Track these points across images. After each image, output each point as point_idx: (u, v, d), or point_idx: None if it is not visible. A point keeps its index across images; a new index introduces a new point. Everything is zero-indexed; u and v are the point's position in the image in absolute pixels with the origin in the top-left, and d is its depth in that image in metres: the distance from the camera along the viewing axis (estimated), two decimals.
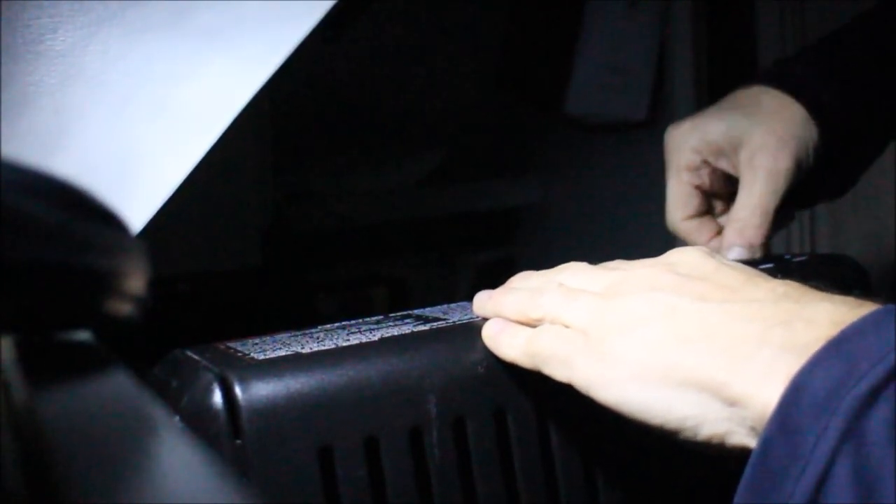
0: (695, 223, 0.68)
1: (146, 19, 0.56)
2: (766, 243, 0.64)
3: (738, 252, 0.63)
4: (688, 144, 0.66)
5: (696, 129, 0.66)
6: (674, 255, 0.47)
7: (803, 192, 0.66)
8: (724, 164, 0.66)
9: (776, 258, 0.63)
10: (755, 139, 0.63)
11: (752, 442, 0.37)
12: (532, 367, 0.45)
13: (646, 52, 1.36)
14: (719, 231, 0.67)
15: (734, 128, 0.64)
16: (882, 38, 0.69)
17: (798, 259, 0.62)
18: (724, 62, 1.34)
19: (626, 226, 1.44)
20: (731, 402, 0.38)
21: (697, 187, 0.67)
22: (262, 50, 0.58)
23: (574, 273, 0.49)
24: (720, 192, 0.68)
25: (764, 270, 0.59)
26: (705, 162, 0.66)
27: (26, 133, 0.56)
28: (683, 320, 0.41)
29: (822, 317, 0.37)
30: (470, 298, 0.52)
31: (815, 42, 0.71)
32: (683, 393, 0.39)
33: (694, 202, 0.68)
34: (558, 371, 0.44)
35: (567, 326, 0.44)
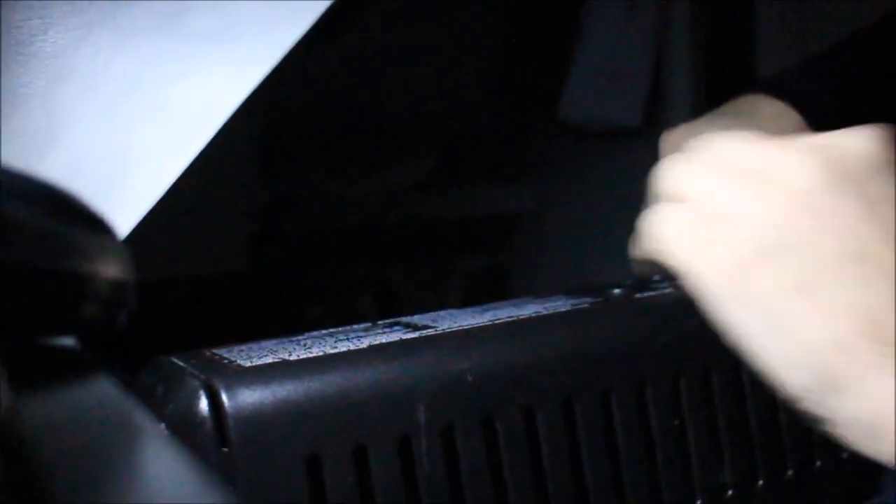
0: None
1: (137, 21, 0.56)
2: None
3: None
4: (683, 146, 0.66)
5: (691, 133, 0.66)
6: (852, 138, 0.38)
7: None
8: None
9: None
10: None
11: (860, 441, 0.34)
12: (657, 260, 0.40)
13: (642, 57, 1.36)
14: None
15: (722, 128, 0.64)
16: (879, 52, 0.69)
17: None
18: (722, 69, 1.34)
19: (620, 233, 1.44)
20: (845, 395, 0.34)
21: None
22: (255, 53, 0.58)
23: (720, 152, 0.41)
24: None
25: None
26: None
27: (17, 135, 0.56)
28: (832, 276, 0.35)
29: None
30: (459, 306, 0.52)
31: (812, 57, 0.71)
32: (800, 358, 0.34)
33: None
34: (679, 266, 0.39)
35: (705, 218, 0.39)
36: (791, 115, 0.65)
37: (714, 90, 1.34)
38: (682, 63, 1.35)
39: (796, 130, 0.64)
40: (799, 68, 0.71)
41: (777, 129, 0.64)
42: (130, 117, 0.58)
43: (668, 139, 0.68)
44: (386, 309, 1.50)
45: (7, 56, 0.55)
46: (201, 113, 0.58)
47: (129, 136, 0.58)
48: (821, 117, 0.65)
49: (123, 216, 0.55)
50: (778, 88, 0.67)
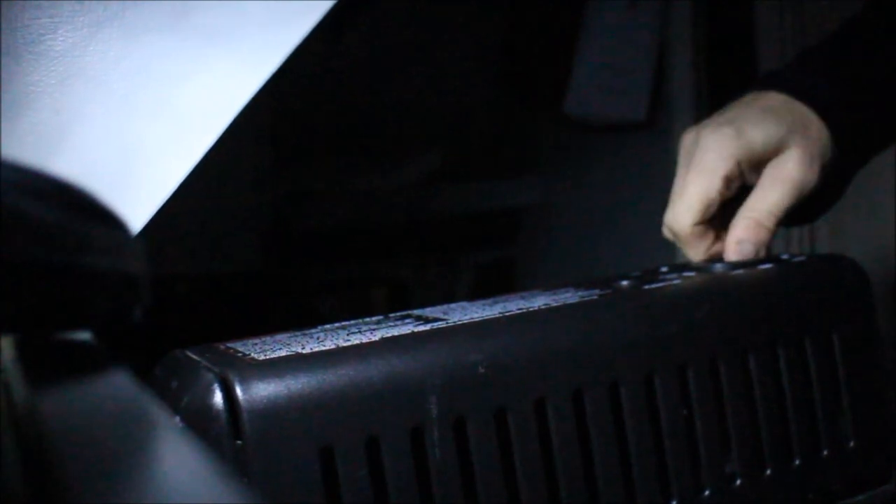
0: (700, 229, 0.66)
1: (146, 20, 0.56)
2: (767, 245, 0.64)
3: (747, 247, 0.62)
4: (731, 153, 0.63)
5: (740, 139, 0.64)
6: None
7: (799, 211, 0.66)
8: (753, 178, 0.65)
9: (775, 258, 0.63)
10: (791, 150, 0.63)
11: None
12: None
13: (645, 52, 1.36)
14: (716, 236, 0.66)
15: (771, 136, 0.63)
16: (871, 39, 0.69)
17: (797, 259, 0.62)
18: (723, 62, 1.34)
19: (626, 226, 1.44)
20: None
21: (721, 195, 0.65)
22: (262, 50, 0.58)
23: None
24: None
25: (764, 270, 0.59)
26: (741, 175, 0.65)
27: (26, 133, 0.56)
28: None
29: None
30: (470, 299, 0.52)
31: (811, 47, 0.71)
32: None
33: (711, 211, 0.65)
34: None
35: None
36: (820, 125, 0.64)
37: (716, 83, 1.34)
38: (684, 57, 1.35)
39: (825, 141, 0.64)
40: (800, 60, 0.70)
41: (810, 136, 0.63)
42: (140, 115, 0.58)
43: (712, 138, 0.66)
44: (397, 302, 1.50)
45: (17, 55, 0.55)
46: (210, 110, 0.59)
47: (138, 134, 0.59)
48: (826, 106, 0.65)
49: (135, 213, 0.56)
50: (782, 82, 0.66)
